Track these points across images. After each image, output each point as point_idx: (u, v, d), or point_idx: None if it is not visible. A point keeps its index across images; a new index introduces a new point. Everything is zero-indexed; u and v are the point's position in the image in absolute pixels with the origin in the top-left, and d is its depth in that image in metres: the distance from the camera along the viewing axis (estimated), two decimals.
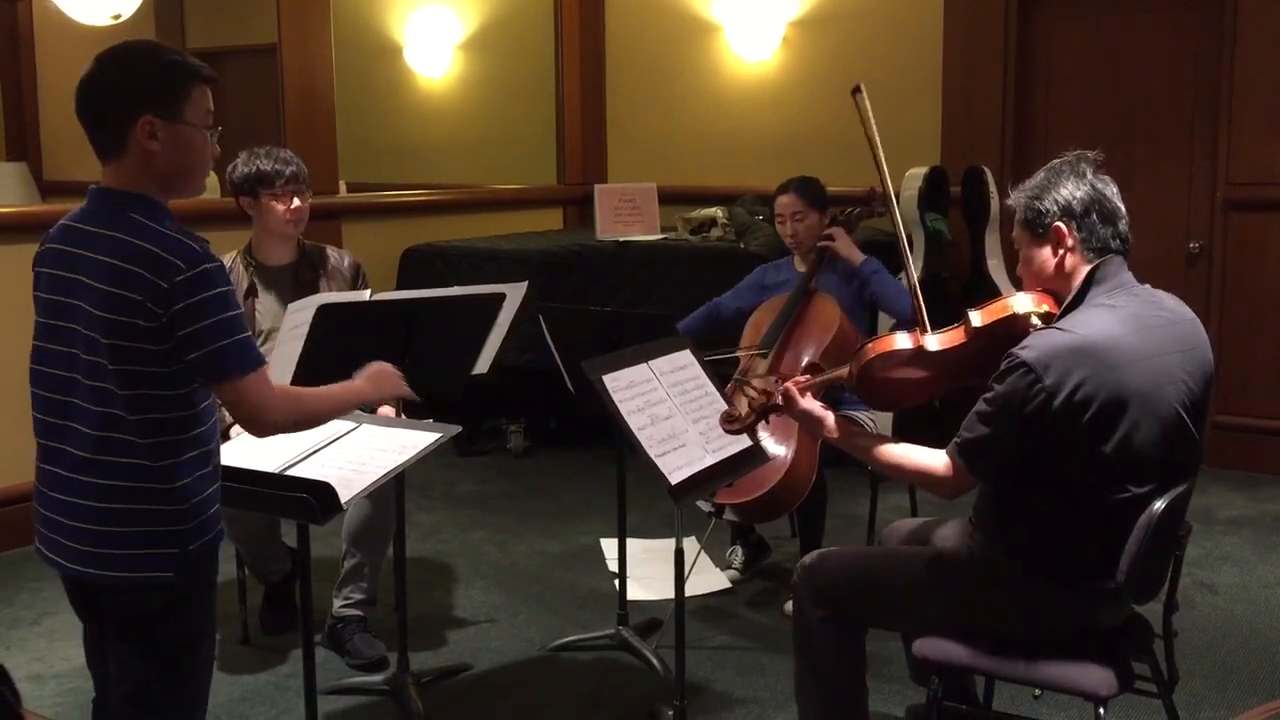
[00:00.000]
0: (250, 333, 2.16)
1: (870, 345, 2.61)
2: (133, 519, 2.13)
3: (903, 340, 2.57)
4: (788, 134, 6.38)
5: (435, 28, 7.45)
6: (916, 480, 2.58)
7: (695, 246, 5.69)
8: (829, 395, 3.85)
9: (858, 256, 4.04)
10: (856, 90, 3.14)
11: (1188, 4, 5.47)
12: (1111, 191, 2.48)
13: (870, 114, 3.07)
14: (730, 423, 2.73)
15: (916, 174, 5.62)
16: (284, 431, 2.32)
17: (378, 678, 3.43)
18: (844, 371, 2.65)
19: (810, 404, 2.66)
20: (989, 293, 5.41)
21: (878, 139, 3.06)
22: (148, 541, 2.14)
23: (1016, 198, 2.54)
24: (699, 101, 6.71)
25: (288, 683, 3.48)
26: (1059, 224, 2.45)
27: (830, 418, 2.66)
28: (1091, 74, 5.71)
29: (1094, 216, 2.45)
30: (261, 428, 2.22)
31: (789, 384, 2.69)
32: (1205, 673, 3.47)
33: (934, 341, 2.55)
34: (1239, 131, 5.26)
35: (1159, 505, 2.34)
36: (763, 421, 2.77)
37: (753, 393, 3.84)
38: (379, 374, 2.55)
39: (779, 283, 4.20)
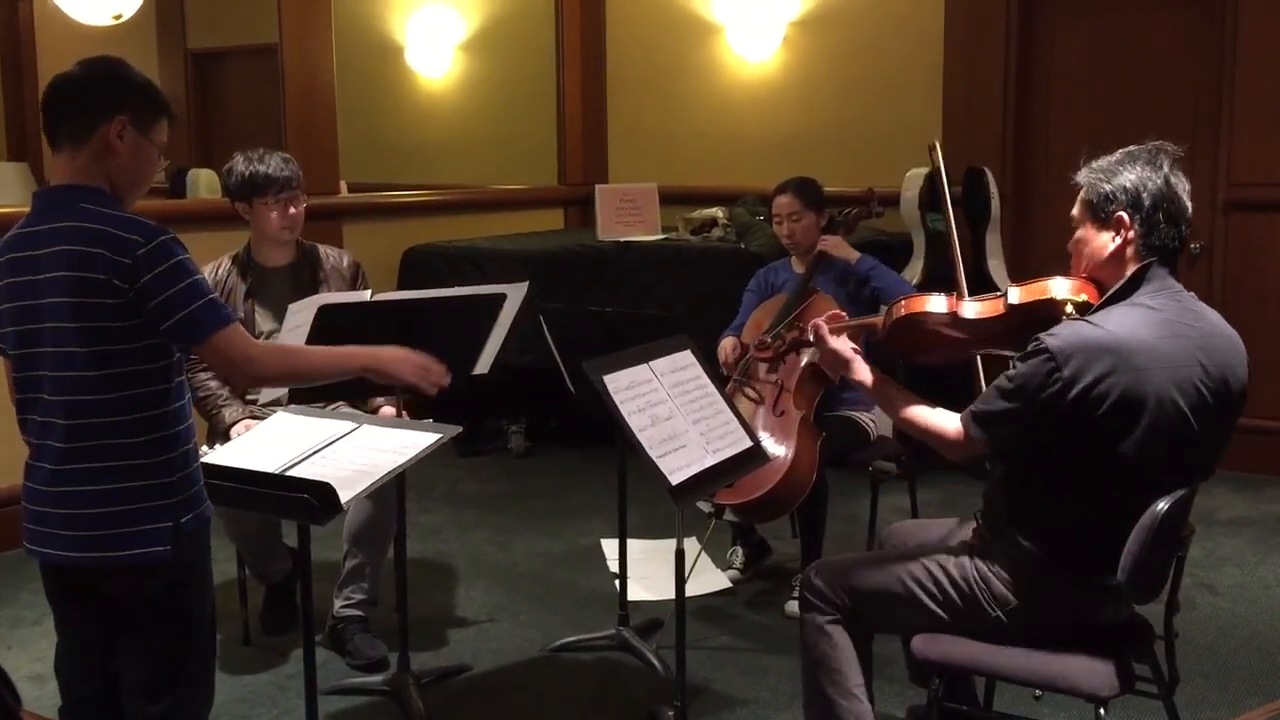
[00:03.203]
0: (217, 294, 2.22)
1: (907, 301, 2.64)
2: (125, 498, 2.17)
3: (938, 303, 2.60)
4: (789, 134, 6.38)
5: (436, 28, 7.45)
6: (928, 438, 2.58)
7: (696, 247, 5.68)
8: (830, 394, 3.88)
9: (853, 255, 4.05)
10: (932, 148, 3.48)
11: (1189, 4, 5.47)
12: (1183, 189, 2.42)
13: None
14: (763, 350, 2.91)
15: (917, 174, 5.62)
16: (272, 383, 2.40)
17: (378, 678, 3.43)
18: (877, 320, 2.70)
19: (840, 344, 2.71)
20: (988, 293, 5.41)
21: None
22: (141, 519, 2.18)
23: (1086, 176, 2.47)
24: (700, 102, 6.71)
25: (289, 683, 3.48)
26: (1123, 214, 2.40)
27: (858, 360, 2.69)
28: (1092, 74, 5.70)
29: (1160, 215, 2.39)
30: (250, 379, 2.36)
31: (819, 322, 2.74)
32: (1206, 673, 3.47)
33: (970, 309, 2.58)
34: (1240, 131, 5.26)
35: (1162, 505, 2.33)
36: (793, 353, 2.97)
37: (753, 394, 3.85)
38: (396, 355, 2.55)
39: (779, 284, 4.20)
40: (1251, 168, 5.25)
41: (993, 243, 5.67)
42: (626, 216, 5.96)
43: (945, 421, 2.53)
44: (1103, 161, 2.47)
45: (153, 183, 2.40)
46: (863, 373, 2.69)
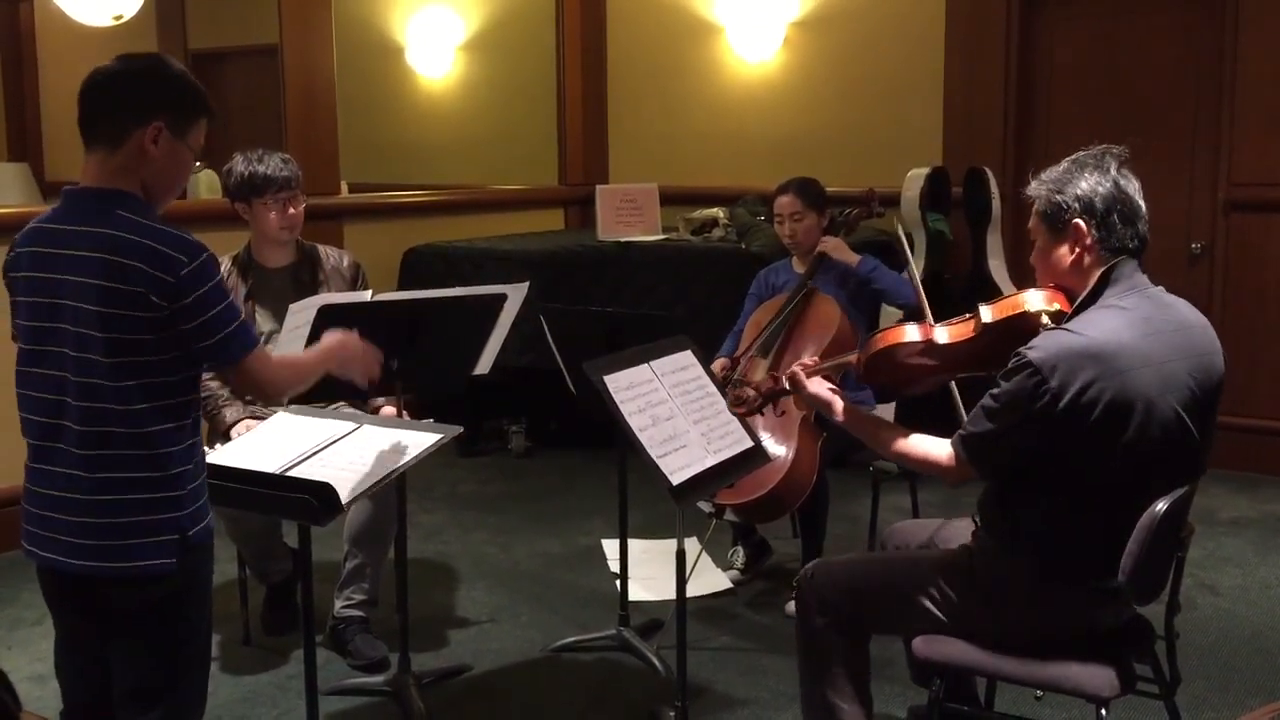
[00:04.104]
0: (244, 314, 2.27)
1: (879, 335, 2.63)
2: (132, 509, 2.16)
3: (912, 332, 2.59)
4: (789, 135, 6.38)
5: (437, 28, 7.45)
6: (920, 467, 2.59)
7: (697, 247, 5.69)
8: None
9: (853, 258, 4.05)
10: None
11: (1189, 4, 5.47)
12: (1134, 189, 2.44)
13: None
14: (739, 405, 2.79)
15: (918, 174, 5.62)
16: (287, 395, 2.48)
17: (379, 678, 3.43)
18: (851, 358, 2.70)
19: (818, 387, 2.70)
20: (990, 293, 5.41)
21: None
22: (148, 530, 2.17)
23: (1036, 188, 2.49)
24: (700, 102, 6.71)
25: (289, 683, 3.48)
26: (1078, 221, 2.42)
27: (839, 400, 2.69)
28: (1093, 74, 5.70)
29: (1114, 216, 2.40)
30: (272, 398, 2.41)
31: (795, 368, 2.73)
32: (1207, 674, 3.46)
33: (943, 334, 2.58)
34: (1241, 132, 5.26)
35: (1161, 506, 2.33)
36: (771, 405, 2.82)
37: (752, 392, 3.85)
38: (349, 354, 2.55)
39: (781, 284, 4.20)
40: (1252, 168, 5.25)
41: (994, 243, 5.67)
42: (627, 217, 5.96)
43: (936, 449, 2.52)
44: (1051, 172, 2.49)
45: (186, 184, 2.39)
46: (844, 412, 2.68)
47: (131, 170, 2.19)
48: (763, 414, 2.88)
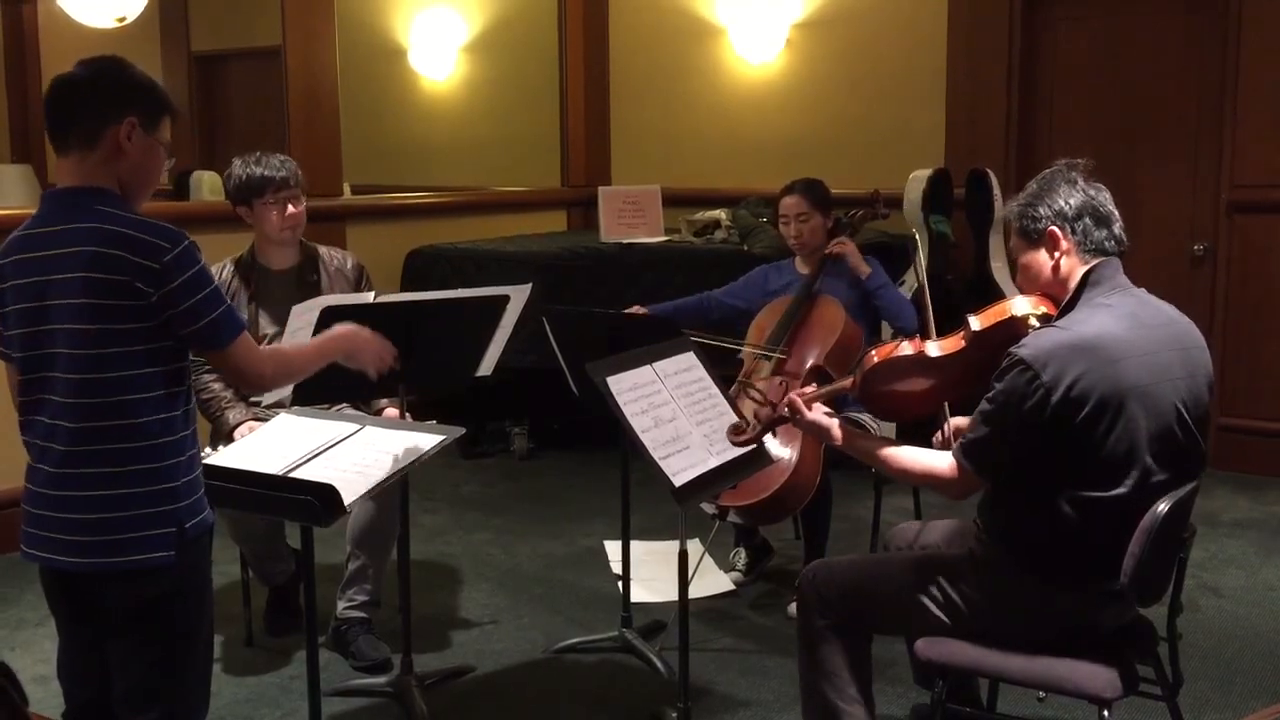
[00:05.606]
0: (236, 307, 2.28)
1: (872, 354, 2.64)
2: (127, 503, 2.16)
3: (904, 348, 2.61)
4: (792, 136, 6.38)
5: (439, 30, 7.46)
6: (924, 483, 2.60)
7: (699, 249, 5.69)
8: (832, 399, 3.87)
9: (865, 269, 4.04)
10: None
11: (1192, 6, 5.47)
12: (1105, 197, 2.52)
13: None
14: (737, 434, 2.76)
15: (920, 176, 5.62)
16: (274, 387, 2.47)
17: (381, 679, 3.43)
18: (848, 382, 2.68)
19: (816, 415, 2.69)
20: (992, 294, 5.41)
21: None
22: (144, 524, 2.17)
23: (1010, 208, 2.58)
24: (703, 104, 6.71)
25: (292, 684, 3.48)
26: (1053, 228, 2.49)
27: (836, 426, 2.67)
28: (1095, 76, 5.70)
29: (1087, 219, 2.48)
30: (256, 386, 2.39)
31: (793, 395, 2.71)
32: (1209, 675, 3.46)
33: (935, 348, 2.59)
34: (1243, 133, 5.26)
35: (1163, 507, 2.34)
36: (769, 434, 2.79)
37: (757, 395, 3.85)
38: (358, 345, 2.57)
39: (782, 285, 4.19)
40: (1255, 169, 5.25)
41: (995, 244, 5.67)
42: (629, 218, 5.97)
43: (939, 462, 2.53)
44: (1022, 194, 2.58)
45: (160, 182, 2.40)
46: (843, 438, 2.67)
47: (109, 167, 2.21)
48: (774, 433, 2.83)
